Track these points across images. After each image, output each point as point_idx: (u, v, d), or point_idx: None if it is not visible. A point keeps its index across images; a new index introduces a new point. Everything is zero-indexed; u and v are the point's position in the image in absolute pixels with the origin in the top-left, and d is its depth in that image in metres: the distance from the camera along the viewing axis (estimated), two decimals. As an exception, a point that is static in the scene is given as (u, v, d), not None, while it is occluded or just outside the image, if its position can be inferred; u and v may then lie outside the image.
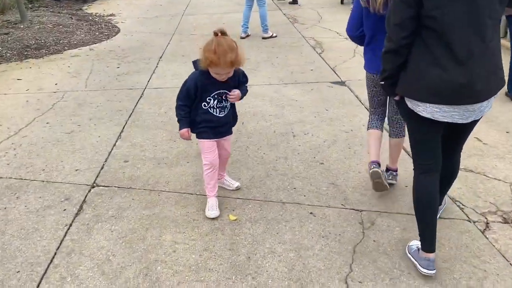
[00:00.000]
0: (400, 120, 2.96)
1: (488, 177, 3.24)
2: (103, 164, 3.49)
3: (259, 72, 5.66)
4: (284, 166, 3.44)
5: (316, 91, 4.99)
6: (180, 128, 2.76)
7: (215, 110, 2.72)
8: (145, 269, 2.42)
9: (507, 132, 3.93)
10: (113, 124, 4.21)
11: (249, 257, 2.49)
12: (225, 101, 2.73)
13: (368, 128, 3.09)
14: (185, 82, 2.71)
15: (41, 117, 4.40)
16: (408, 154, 3.49)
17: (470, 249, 2.54)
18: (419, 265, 2.35)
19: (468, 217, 2.80)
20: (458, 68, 2.05)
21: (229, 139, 2.94)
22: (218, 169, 2.90)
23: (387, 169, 3.15)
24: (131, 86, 5.21)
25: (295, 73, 5.60)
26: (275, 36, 7.34)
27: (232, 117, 2.87)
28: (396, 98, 2.32)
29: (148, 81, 5.38)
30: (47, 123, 4.26)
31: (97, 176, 3.32)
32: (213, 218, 2.80)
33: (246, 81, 2.80)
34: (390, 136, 3.07)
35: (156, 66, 5.95)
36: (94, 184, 3.22)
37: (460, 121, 2.15)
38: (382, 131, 3.04)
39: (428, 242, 2.34)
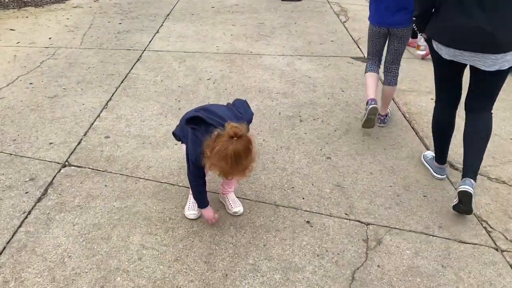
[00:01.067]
0: (394, 70, 3.24)
1: (524, 192, 2.74)
2: (81, 139, 3.09)
3: (273, 40, 5.09)
4: (284, 158, 2.98)
5: (333, 67, 4.43)
6: (201, 206, 2.32)
7: None
8: (102, 278, 2.04)
9: (550, 136, 3.37)
10: (101, 91, 3.77)
11: (226, 275, 2.09)
12: None
13: (366, 72, 3.33)
14: (190, 160, 2.14)
15: (25, 76, 3.99)
16: (426, 146, 2.99)
17: (494, 287, 2.09)
18: (433, 170, 2.85)
19: (496, 244, 2.33)
20: (484, 16, 2.20)
21: None
22: (224, 183, 2.46)
23: (379, 115, 3.39)
24: (130, 47, 4.72)
25: (313, 44, 5.01)
26: (299, 0, 6.66)
27: None
28: (424, 36, 2.59)
29: (150, 41, 4.88)
30: (31, 83, 3.85)
31: (71, 153, 2.92)
32: (192, 219, 2.39)
33: None
34: (383, 84, 3.33)
35: (161, 25, 5.43)
36: (66, 163, 2.83)
37: (482, 68, 2.30)
38: (378, 73, 3.31)
39: (441, 158, 2.79)
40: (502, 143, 3.24)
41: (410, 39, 4.96)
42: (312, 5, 6.53)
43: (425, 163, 2.93)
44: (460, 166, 2.95)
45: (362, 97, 3.84)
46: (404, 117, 3.56)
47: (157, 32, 5.20)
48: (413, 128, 3.39)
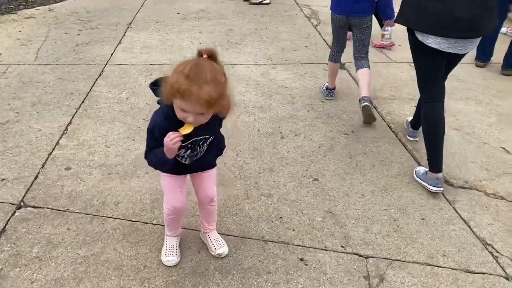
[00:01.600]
0: (364, 57, 3.42)
1: (525, 208, 2.59)
2: (38, 172, 2.73)
3: (244, 48, 4.83)
4: (269, 182, 2.72)
5: (310, 76, 4.21)
6: (167, 161, 1.74)
7: (184, 159, 1.85)
8: None
9: (539, 142, 3.25)
10: (60, 113, 3.40)
11: (214, 334, 1.81)
12: (201, 147, 1.84)
13: (329, 60, 3.64)
14: (148, 129, 1.80)
15: (-28, 99, 3.56)
16: (416, 161, 2.80)
17: (512, 325, 1.90)
18: (429, 184, 2.63)
19: (505, 272, 2.15)
20: (460, 3, 2.32)
21: (211, 175, 2.03)
22: (203, 219, 2.17)
23: (363, 98, 3.27)
24: (91, 61, 4.35)
25: (286, 51, 4.78)
26: (268, 3, 6.41)
27: (212, 153, 1.97)
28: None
29: (112, 54, 4.51)
30: (-22, 108, 3.44)
31: (27, 191, 2.56)
32: (170, 266, 2.09)
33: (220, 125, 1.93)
34: (357, 70, 3.46)
35: (124, 35, 5.06)
36: (21, 204, 2.47)
37: (460, 52, 2.49)
38: (340, 63, 3.66)
39: (436, 164, 2.62)
40: (493, 152, 3.09)
41: (382, 42, 4.84)
42: (281, 8, 6.30)
43: (418, 179, 2.73)
44: (456, 181, 2.79)
45: (343, 108, 3.63)
46: (390, 128, 3.37)
47: (120, 43, 4.83)
48: (400, 141, 3.20)
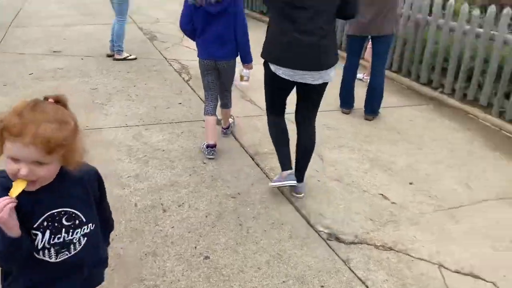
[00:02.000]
0: (226, 97, 3.76)
1: (412, 256, 2.64)
2: None
3: (111, 108, 4.43)
4: (153, 269, 2.37)
5: (187, 135, 3.99)
6: (12, 243, 1.22)
7: (48, 253, 1.34)
8: None
9: (410, 184, 3.46)
10: None
11: None
12: (70, 231, 1.35)
13: (204, 114, 3.65)
14: None
15: None
16: (306, 220, 2.73)
17: None
18: (285, 181, 3.03)
19: (410, 333, 2.11)
20: (300, 39, 2.69)
21: None
22: None
23: (222, 129, 3.98)
24: None
25: (159, 109, 4.51)
26: (134, 59, 6.10)
27: (96, 253, 1.49)
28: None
29: None
30: None
31: None
32: None
33: (105, 193, 1.54)
34: (221, 107, 3.81)
35: (-39, 102, 4.28)
36: None
37: (311, 82, 2.79)
38: (215, 115, 3.66)
39: (286, 163, 3.05)
40: (373, 200, 3.19)
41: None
42: (148, 63, 6.05)
43: (276, 184, 3.06)
44: (346, 237, 2.76)
45: (226, 168, 3.47)
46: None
47: (-44, 112, 4.05)
48: (287, 199, 3.13)
